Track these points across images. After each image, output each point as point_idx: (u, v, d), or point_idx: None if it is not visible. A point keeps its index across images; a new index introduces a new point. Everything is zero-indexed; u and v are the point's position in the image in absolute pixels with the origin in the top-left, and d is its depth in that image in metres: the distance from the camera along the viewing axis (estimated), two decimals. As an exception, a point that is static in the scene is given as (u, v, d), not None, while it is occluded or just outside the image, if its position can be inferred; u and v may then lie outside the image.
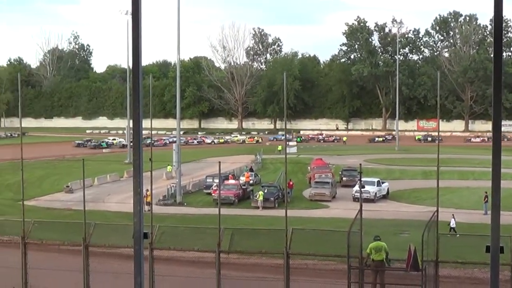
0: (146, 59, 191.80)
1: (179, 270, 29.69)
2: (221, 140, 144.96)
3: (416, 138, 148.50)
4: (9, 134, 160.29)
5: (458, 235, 38.77)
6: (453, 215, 43.42)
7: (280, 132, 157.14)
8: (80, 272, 26.43)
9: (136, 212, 11.59)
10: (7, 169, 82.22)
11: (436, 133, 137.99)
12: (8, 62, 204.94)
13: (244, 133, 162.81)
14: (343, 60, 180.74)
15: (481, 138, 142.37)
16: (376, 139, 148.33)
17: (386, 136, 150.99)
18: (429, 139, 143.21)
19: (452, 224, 42.65)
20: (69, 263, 29.40)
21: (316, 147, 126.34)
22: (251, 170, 78.70)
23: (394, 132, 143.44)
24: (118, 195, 63.82)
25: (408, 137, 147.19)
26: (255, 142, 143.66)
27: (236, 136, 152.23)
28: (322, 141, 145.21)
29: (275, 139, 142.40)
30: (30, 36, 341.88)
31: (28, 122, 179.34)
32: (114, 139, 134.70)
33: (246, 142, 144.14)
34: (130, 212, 12.40)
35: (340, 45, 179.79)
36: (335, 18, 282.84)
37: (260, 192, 57.75)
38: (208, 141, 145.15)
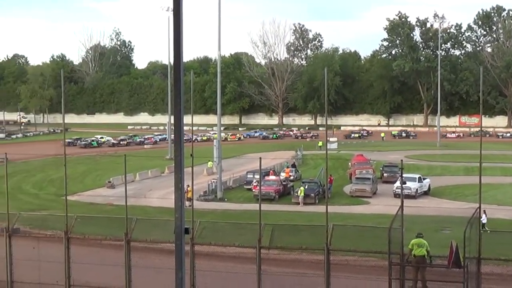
0: (187, 55, 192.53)
1: (220, 265, 29.70)
2: (204, 138, 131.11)
3: (392, 133, 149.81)
4: (52, 130, 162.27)
5: (489, 231, 38.36)
6: (484, 211, 42.89)
7: (320, 128, 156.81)
8: (122, 267, 26.61)
9: (178, 207, 11.65)
10: (50, 165, 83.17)
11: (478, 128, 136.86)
12: (51, 59, 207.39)
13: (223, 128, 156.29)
14: (384, 55, 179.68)
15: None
16: (352, 135, 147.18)
17: (362, 132, 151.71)
18: (404, 134, 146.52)
19: (483, 219, 42.14)
20: (111, 258, 29.62)
21: (356, 143, 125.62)
22: (293, 166, 78.57)
23: (384, 128, 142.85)
24: (159, 191, 64.17)
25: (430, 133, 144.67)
26: (237, 139, 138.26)
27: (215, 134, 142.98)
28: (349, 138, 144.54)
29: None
30: (73, 33, 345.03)
31: (71, 118, 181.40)
32: (102, 137, 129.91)
33: (228, 139, 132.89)
34: (171, 207, 12.43)
35: (381, 41, 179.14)
36: (376, 13, 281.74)
37: (302, 188, 57.61)
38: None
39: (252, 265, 25.63)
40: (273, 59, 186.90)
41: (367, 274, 29.09)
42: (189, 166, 21.18)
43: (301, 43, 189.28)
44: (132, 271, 26.59)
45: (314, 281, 26.69)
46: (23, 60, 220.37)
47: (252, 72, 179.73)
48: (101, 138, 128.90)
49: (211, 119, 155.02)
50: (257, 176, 60.26)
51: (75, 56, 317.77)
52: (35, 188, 69.72)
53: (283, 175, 69.97)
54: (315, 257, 29.18)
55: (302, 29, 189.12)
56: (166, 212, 47.45)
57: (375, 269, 29.10)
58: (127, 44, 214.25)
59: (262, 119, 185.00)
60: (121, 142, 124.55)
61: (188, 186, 32.63)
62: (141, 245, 29.18)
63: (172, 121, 12.17)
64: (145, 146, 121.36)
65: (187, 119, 13.63)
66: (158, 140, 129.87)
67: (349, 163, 77.14)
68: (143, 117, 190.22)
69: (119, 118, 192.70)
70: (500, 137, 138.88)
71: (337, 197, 59.75)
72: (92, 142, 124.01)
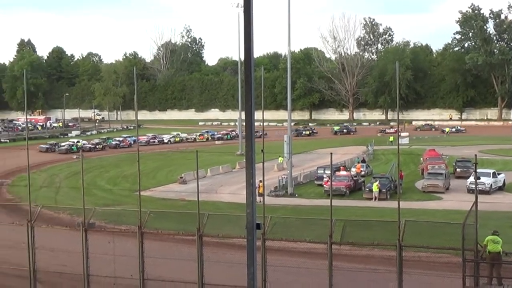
0: (257, 51, 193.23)
1: (291, 260, 29.71)
2: (177, 139, 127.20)
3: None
4: (125, 127, 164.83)
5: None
6: None
7: (392, 123, 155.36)
8: (194, 261, 26.84)
9: (249, 203, 11.69)
10: (124, 161, 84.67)
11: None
12: (124, 57, 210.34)
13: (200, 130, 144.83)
14: (456, 48, 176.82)
15: None
16: (341, 130, 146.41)
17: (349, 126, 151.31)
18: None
19: None
20: (184, 252, 29.91)
21: (428, 137, 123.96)
22: (363, 161, 78.06)
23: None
24: (230, 186, 64.53)
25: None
26: (205, 140, 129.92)
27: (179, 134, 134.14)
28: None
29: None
30: (144, 30, 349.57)
31: (143, 115, 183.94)
32: (79, 142, 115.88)
33: (197, 140, 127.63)
34: (242, 202, 12.50)
35: (454, 34, 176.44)
36: (448, 6, 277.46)
37: (376, 183, 57.16)
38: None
39: (323, 261, 25.56)
40: (343, 54, 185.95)
41: (440, 271, 28.74)
42: (260, 161, 21.24)
43: (372, 37, 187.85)
44: (204, 266, 26.81)
45: (386, 277, 26.48)
46: (97, 58, 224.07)
47: (322, 67, 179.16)
48: (77, 142, 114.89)
49: (281, 114, 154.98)
50: (328, 172, 60.14)
51: (147, 54, 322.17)
52: (110, 184, 70.93)
53: (354, 170, 69.61)
54: (387, 253, 28.95)
55: (373, 23, 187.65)
56: (238, 207, 47.71)
57: (448, 265, 28.74)
58: (197, 41, 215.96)
59: (332, 114, 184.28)
60: (97, 146, 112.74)
61: (260, 181, 32.72)
62: (213, 240, 29.39)
63: (243, 117, 12.20)
64: (216, 142, 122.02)
65: (257, 114, 13.67)
66: (132, 142, 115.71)
67: (421, 158, 76.23)
68: (214, 113, 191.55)
69: (190, 114, 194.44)
70: None
71: (409, 193, 59.10)
72: (73, 147, 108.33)
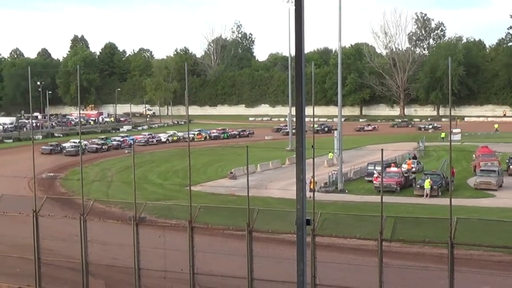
0: (308, 47, 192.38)
1: (340, 257, 29.62)
2: (175, 138, 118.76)
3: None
4: (176, 122, 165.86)
5: None
6: None
7: (443, 119, 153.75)
8: (243, 256, 26.89)
9: (299, 198, 11.65)
10: (175, 156, 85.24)
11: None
12: (175, 52, 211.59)
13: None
14: (510, 44, 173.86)
15: None
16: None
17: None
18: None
19: None
20: (233, 247, 30.00)
21: (481, 134, 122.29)
22: (414, 157, 77.38)
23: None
24: (280, 182, 64.53)
25: None
26: (203, 139, 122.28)
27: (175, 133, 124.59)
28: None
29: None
30: (195, 26, 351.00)
31: (194, 110, 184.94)
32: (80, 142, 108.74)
33: (195, 139, 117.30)
34: (292, 198, 12.49)
35: (508, 29, 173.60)
36: (501, 0, 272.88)
37: (427, 180, 56.61)
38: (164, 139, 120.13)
39: (373, 258, 25.40)
40: (394, 49, 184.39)
41: (492, 269, 28.42)
42: (310, 157, 21.18)
43: (423, 32, 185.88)
44: (254, 261, 26.84)
45: (437, 275, 26.22)
46: (148, 54, 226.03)
47: (373, 63, 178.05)
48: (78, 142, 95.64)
49: (332, 110, 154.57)
50: (378, 168, 59.80)
51: (198, 49, 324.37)
52: (160, 178, 71.51)
53: (405, 166, 69.05)
54: (438, 251, 28.64)
55: (424, 18, 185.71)
56: (287, 203, 47.72)
57: (501, 264, 28.41)
58: (248, 37, 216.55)
59: (383, 110, 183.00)
60: (102, 147, 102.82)
61: (312, 177, 32.65)
62: (263, 236, 29.41)
63: (293, 113, 12.17)
64: (266, 138, 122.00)
65: (308, 110, 13.61)
66: (132, 142, 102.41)
67: (473, 155, 75.26)
68: (264, 109, 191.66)
69: (240, 110, 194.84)
70: None
71: (460, 190, 58.43)
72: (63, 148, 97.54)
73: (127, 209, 41.15)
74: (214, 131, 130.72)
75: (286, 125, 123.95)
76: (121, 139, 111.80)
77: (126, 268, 29.96)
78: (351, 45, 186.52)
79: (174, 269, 28.66)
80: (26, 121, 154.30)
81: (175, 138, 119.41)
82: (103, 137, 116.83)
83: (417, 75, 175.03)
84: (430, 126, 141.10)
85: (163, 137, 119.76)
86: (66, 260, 32.57)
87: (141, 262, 29.11)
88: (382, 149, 29.08)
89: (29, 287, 31.43)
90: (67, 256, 32.85)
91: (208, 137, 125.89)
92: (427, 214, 43.44)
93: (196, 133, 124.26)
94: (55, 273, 32.14)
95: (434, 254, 29.59)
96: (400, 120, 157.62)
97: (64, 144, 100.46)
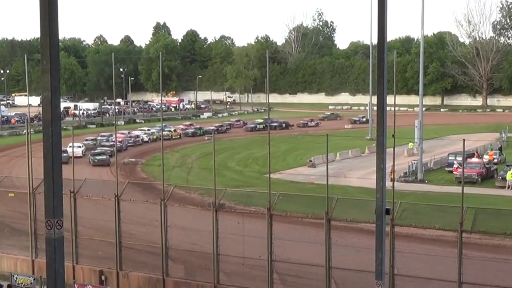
0: (390, 35, 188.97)
1: (419, 247, 29.36)
2: (154, 137, 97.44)
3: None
4: (256, 109, 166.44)
5: None
6: None
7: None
8: (321, 245, 26.91)
9: (379, 188, 11.62)
10: (255, 143, 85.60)
11: None
12: (256, 40, 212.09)
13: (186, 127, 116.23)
14: None
15: None
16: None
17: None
18: None
19: None
20: (311, 235, 30.04)
21: None
22: (499, 149, 75.86)
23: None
24: (359, 171, 64.22)
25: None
26: (178, 136, 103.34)
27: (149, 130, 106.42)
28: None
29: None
30: (276, 14, 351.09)
31: (274, 98, 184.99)
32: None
33: (173, 138, 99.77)
34: (371, 187, 12.46)
35: None
36: None
37: (510, 172, 55.47)
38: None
39: (452, 249, 25.11)
40: (477, 38, 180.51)
41: None
42: (390, 146, 21.02)
43: (508, 21, 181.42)
44: (332, 250, 26.84)
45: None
46: (229, 42, 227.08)
47: (455, 52, 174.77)
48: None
49: (413, 99, 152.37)
50: (459, 158, 58.84)
51: (279, 37, 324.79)
52: (240, 165, 72.02)
53: (486, 157, 67.81)
54: (519, 244, 28.17)
55: (510, 7, 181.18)
56: (366, 192, 47.45)
57: None
58: (329, 25, 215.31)
59: (465, 100, 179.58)
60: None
61: (393, 166, 32.42)
62: (341, 224, 29.37)
63: (373, 102, 12.10)
64: (346, 126, 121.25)
65: (389, 99, 13.52)
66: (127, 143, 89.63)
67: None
68: (344, 97, 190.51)
69: (320, 98, 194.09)
70: None
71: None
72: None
73: (207, 195, 41.64)
74: (182, 126, 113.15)
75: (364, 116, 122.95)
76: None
77: (205, 253, 30.33)
78: (433, 34, 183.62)
79: (252, 255, 28.88)
80: (109, 107, 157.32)
81: (155, 136, 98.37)
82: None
83: (501, 65, 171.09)
84: (364, 119, 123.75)
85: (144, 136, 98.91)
86: (146, 244, 33.20)
87: (220, 248, 29.43)
88: (463, 140, 28.67)
89: (110, 269, 32.14)
90: (147, 241, 33.47)
91: (182, 135, 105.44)
92: (509, 206, 42.61)
93: (172, 129, 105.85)
94: (136, 257, 32.79)
95: (516, 247, 29.11)
96: (329, 113, 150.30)
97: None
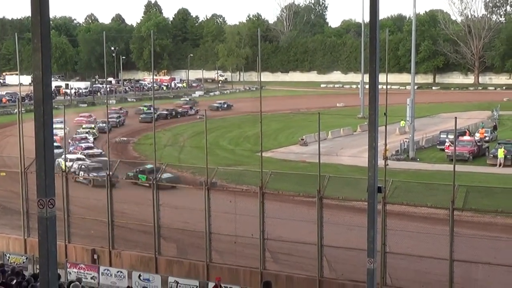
0: (381, 13, 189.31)
1: (411, 225, 29.48)
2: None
3: None
4: (248, 88, 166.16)
5: None
6: None
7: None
8: (313, 223, 27.02)
9: (371, 166, 11.64)
10: (246, 122, 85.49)
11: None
12: (247, 18, 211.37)
13: None
14: None
15: None
16: None
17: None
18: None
19: None
20: (303, 214, 30.14)
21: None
22: (494, 128, 76.14)
23: None
24: (351, 149, 64.31)
25: None
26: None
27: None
28: None
29: None
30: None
31: (266, 76, 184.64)
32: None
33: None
34: (362, 166, 12.50)
35: None
36: None
37: (502, 149, 55.68)
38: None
39: (443, 227, 25.26)
40: (469, 16, 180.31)
41: None
42: (382, 125, 21.06)
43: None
44: (324, 228, 26.94)
45: (509, 245, 25.94)
46: (221, 20, 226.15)
47: (447, 30, 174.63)
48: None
49: (405, 77, 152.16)
50: (451, 136, 59.01)
51: (270, 15, 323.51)
52: (231, 144, 72.02)
53: (477, 135, 68.03)
54: (510, 221, 28.31)
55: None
56: (358, 170, 47.61)
57: None
58: (321, 3, 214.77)
59: (456, 78, 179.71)
60: None
61: (385, 144, 32.49)
62: (333, 203, 29.49)
63: (365, 80, 12.10)
64: (338, 104, 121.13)
65: (381, 77, 13.51)
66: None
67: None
68: (336, 76, 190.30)
69: (312, 76, 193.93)
70: None
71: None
72: None
73: (198, 174, 41.74)
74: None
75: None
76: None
77: (197, 232, 30.44)
78: (425, 12, 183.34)
79: (244, 234, 28.98)
80: (100, 86, 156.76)
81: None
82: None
83: (493, 43, 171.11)
84: (225, 106, 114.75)
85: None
86: (139, 224, 33.27)
87: (212, 227, 29.51)
88: (455, 117, 28.74)
89: (103, 248, 32.20)
90: (141, 220, 33.55)
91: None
92: (500, 184, 42.82)
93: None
94: (128, 236, 32.86)
95: (507, 224, 29.25)
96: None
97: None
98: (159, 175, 31.16)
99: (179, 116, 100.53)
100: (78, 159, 51.01)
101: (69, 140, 62.31)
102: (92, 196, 36.32)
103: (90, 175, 43.74)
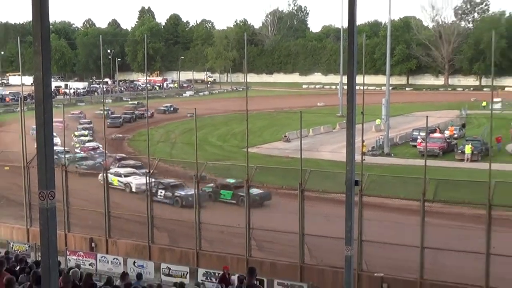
0: (359, 19, 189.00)
1: (386, 216, 29.62)
2: None
3: None
4: (235, 88, 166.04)
5: None
6: None
7: (485, 89, 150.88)
8: (295, 214, 27.07)
9: (349, 161, 11.67)
10: (233, 120, 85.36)
11: None
12: (235, 23, 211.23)
13: None
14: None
15: None
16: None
17: None
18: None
19: None
20: (287, 205, 30.20)
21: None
22: (463, 126, 76.51)
23: None
24: (330, 145, 64.40)
25: None
26: None
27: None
28: None
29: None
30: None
31: (251, 78, 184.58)
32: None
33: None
34: (341, 161, 12.50)
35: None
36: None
37: (469, 146, 55.97)
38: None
39: (415, 217, 25.35)
40: (440, 23, 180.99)
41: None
42: (359, 123, 21.12)
43: (469, 6, 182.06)
44: (305, 218, 27.00)
45: (475, 234, 26.08)
46: (210, 25, 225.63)
47: (420, 35, 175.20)
48: None
49: (380, 79, 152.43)
50: (423, 134, 59.21)
51: (256, 21, 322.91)
52: (220, 141, 71.95)
53: (447, 133, 68.36)
54: (476, 212, 28.43)
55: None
56: (337, 165, 47.61)
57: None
58: (303, 9, 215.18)
59: (428, 80, 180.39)
60: None
61: (362, 141, 32.53)
62: (314, 195, 29.51)
63: (344, 81, 12.15)
64: (318, 104, 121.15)
65: (358, 79, 13.54)
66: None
67: (512, 123, 73.89)
68: (317, 77, 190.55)
69: (295, 77, 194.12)
70: None
71: (500, 155, 57.54)
72: None
73: (189, 168, 41.65)
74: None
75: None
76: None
77: (187, 222, 30.42)
78: (400, 18, 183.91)
79: (232, 223, 29.01)
80: (97, 86, 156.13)
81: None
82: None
83: (462, 47, 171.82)
84: (172, 109, 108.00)
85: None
86: (134, 214, 33.23)
87: (202, 218, 29.52)
88: (427, 116, 28.82)
89: (100, 237, 32.13)
90: (134, 210, 33.51)
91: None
92: (467, 177, 42.97)
93: None
94: (123, 226, 32.81)
95: (474, 214, 29.37)
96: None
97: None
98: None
99: (137, 120, 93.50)
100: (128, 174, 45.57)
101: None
102: (90, 188, 36.02)
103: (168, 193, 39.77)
